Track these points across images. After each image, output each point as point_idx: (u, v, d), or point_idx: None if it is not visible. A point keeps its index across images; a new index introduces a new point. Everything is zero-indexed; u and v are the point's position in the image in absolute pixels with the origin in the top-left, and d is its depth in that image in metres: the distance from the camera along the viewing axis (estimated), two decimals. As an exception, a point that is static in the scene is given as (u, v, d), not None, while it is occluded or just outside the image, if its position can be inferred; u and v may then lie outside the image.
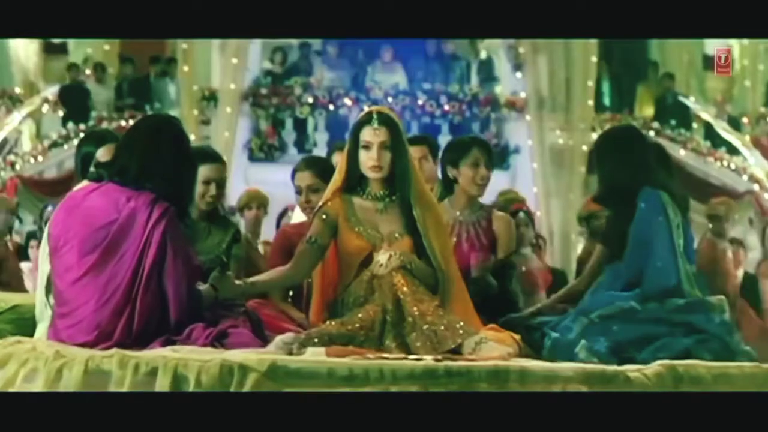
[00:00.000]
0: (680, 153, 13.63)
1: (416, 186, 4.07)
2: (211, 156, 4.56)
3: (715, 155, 14.16)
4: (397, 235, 4.04)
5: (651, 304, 3.98)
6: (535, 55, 13.59)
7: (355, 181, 4.12)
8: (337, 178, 4.13)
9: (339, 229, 4.05)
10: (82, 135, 12.38)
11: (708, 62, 15.16)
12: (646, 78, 15.61)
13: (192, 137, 12.93)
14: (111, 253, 3.58)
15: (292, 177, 4.84)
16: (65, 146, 13.12)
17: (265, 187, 12.37)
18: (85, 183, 3.86)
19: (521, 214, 6.80)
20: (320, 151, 11.87)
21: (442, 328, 3.75)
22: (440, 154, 4.83)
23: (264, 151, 13.82)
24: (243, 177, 13.18)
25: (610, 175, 4.29)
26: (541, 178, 13.28)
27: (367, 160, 4.04)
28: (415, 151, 4.57)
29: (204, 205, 4.44)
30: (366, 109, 4.21)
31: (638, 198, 4.12)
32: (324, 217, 4.06)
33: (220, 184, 4.49)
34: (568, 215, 12.67)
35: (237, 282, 3.88)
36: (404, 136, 4.12)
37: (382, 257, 3.94)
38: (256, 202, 7.30)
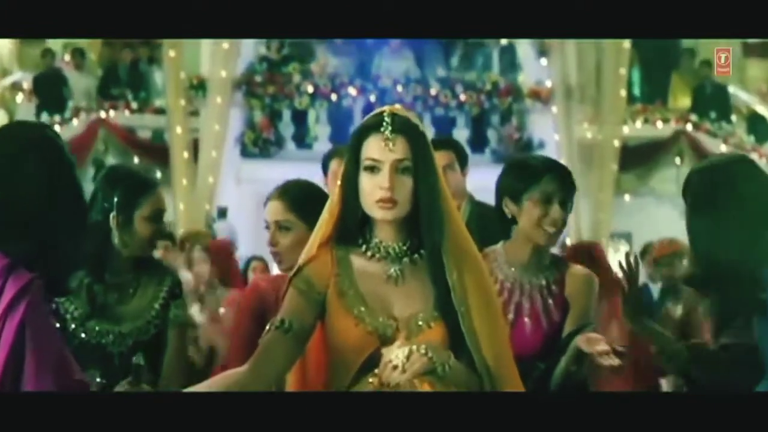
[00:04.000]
0: (721, 149, 12.90)
1: (455, 235, 2.55)
2: (145, 181, 3.39)
3: (760, 151, 13.38)
4: (421, 322, 2.51)
5: None
6: (561, 41, 12.81)
7: (353, 225, 2.58)
8: (326, 219, 2.59)
9: (328, 308, 2.52)
10: (57, 127, 11.41)
11: (748, 49, 14.22)
12: (679, 66, 14.85)
13: (179, 130, 11.93)
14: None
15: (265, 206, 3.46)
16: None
17: (259, 186, 11.56)
18: None
19: None
20: (322, 147, 10.94)
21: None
22: (498, 181, 3.26)
23: (258, 146, 13.05)
24: (235, 176, 12.66)
25: (708, 244, 2.88)
26: (568, 176, 12.37)
27: (373, 189, 2.50)
28: (437, 158, 3.03)
29: (145, 251, 3.37)
30: (373, 100, 2.71)
31: (764, 285, 2.70)
32: (303, 287, 2.52)
33: (161, 217, 3.37)
34: (599, 217, 12.18)
35: None
36: (431, 150, 2.62)
37: (396, 356, 2.40)
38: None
